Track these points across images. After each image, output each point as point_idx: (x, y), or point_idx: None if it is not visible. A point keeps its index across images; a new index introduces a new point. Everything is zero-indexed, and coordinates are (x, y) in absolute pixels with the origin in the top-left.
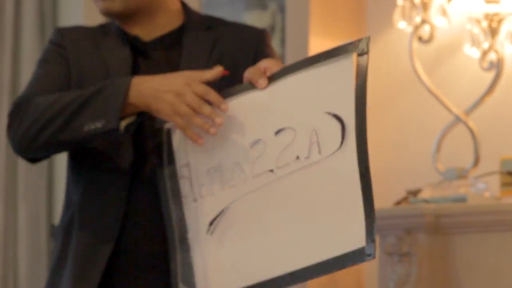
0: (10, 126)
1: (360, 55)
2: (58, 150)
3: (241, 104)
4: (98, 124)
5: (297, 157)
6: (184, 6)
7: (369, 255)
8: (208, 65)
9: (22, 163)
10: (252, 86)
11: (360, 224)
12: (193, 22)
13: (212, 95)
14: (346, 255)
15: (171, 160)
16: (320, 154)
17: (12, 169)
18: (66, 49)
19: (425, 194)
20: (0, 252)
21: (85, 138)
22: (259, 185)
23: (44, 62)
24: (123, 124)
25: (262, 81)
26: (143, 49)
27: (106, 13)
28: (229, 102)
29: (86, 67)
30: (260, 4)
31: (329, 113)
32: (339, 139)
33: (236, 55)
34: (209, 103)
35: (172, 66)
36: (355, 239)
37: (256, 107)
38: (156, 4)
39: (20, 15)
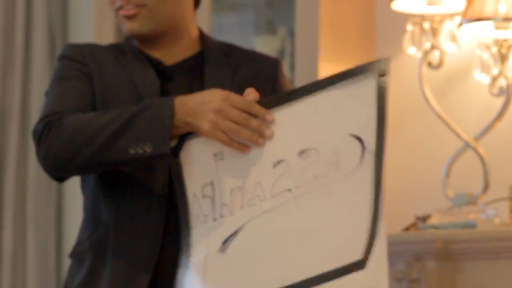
0: (40, 145)
1: (380, 75)
2: (95, 170)
3: None
4: (147, 148)
5: (315, 177)
6: (202, 33)
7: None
8: (231, 86)
9: (31, 185)
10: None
11: (363, 240)
12: (212, 48)
13: (256, 107)
14: (344, 266)
15: (181, 183)
16: (337, 173)
17: (22, 191)
18: (87, 66)
19: (435, 220)
20: (9, 275)
21: (130, 161)
22: (276, 204)
23: (63, 79)
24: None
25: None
26: (166, 72)
27: (133, 34)
28: None
29: (112, 86)
30: (269, 29)
31: (352, 135)
32: (358, 159)
33: (256, 83)
34: (252, 115)
35: (196, 91)
36: (355, 252)
37: (280, 127)
38: (180, 29)
39: (30, 36)
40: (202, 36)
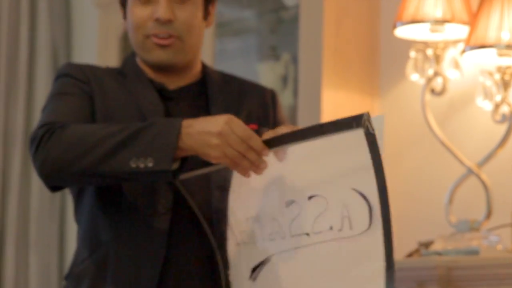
0: (39, 149)
1: (366, 134)
2: (91, 182)
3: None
4: (149, 163)
5: (331, 227)
6: (203, 63)
7: None
8: (237, 113)
9: (34, 210)
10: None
11: None
12: (212, 76)
13: (254, 141)
14: None
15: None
16: (351, 230)
17: (24, 215)
18: (89, 84)
19: (437, 246)
20: None
21: (129, 174)
22: (296, 245)
23: (63, 94)
24: (173, 167)
25: (282, 153)
26: (170, 96)
27: (163, 63)
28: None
29: (115, 106)
30: (273, 55)
31: (355, 190)
32: (367, 220)
33: (261, 112)
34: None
35: (201, 115)
36: None
37: (285, 166)
38: (193, 60)
39: (33, 58)
40: (204, 67)
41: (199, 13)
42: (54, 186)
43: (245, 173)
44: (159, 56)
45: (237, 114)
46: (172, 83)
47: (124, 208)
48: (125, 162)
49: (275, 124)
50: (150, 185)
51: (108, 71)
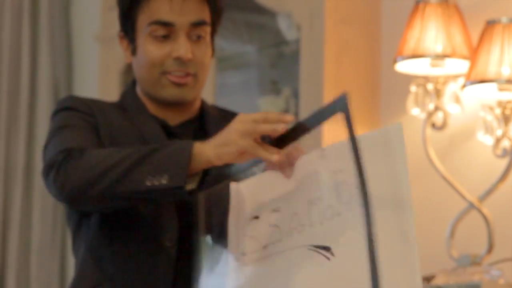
0: (59, 172)
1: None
2: (110, 205)
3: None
4: (163, 180)
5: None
6: (201, 98)
7: None
8: None
9: (35, 244)
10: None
11: None
12: (209, 111)
13: (271, 114)
14: None
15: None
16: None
17: (25, 250)
18: (94, 117)
19: (439, 280)
20: None
21: (145, 193)
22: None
23: (70, 127)
24: (188, 187)
25: (289, 171)
26: (172, 132)
27: (178, 101)
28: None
29: (121, 136)
30: (274, 89)
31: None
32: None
33: None
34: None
35: None
36: None
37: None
38: (197, 98)
39: (35, 93)
40: (202, 102)
41: (210, 50)
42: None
43: (268, 151)
44: (174, 93)
45: None
46: (174, 118)
47: (129, 241)
48: (141, 181)
49: None
50: (157, 217)
51: (108, 104)
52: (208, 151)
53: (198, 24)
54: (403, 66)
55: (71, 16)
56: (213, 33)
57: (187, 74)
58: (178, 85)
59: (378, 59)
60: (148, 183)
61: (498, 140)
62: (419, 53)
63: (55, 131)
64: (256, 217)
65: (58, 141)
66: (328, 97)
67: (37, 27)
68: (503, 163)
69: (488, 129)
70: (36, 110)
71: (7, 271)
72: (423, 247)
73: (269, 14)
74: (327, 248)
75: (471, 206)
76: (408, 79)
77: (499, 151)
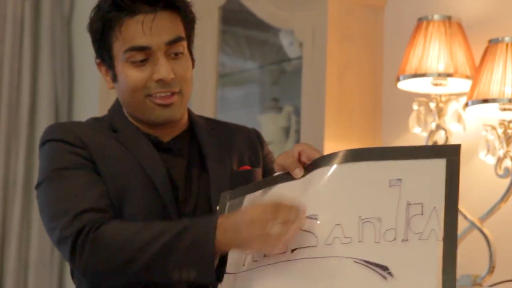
0: (76, 257)
1: (449, 161)
2: (134, 285)
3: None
4: (191, 274)
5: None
6: (189, 111)
7: None
8: (230, 157)
9: (33, 261)
10: (291, 177)
11: None
12: (197, 122)
13: (294, 211)
14: None
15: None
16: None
17: (23, 266)
18: (86, 149)
19: None
20: None
21: (174, 282)
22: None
23: (65, 171)
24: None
25: (299, 171)
26: (165, 148)
27: (167, 121)
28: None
29: (116, 164)
30: (275, 107)
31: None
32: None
33: (249, 153)
34: None
35: (195, 162)
36: None
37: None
38: (185, 114)
39: (35, 111)
40: (190, 114)
41: (190, 63)
42: None
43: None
44: (162, 115)
45: (229, 157)
46: (166, 135)
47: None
48: (168, 272)
49: (265, 161)
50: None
51: (96, 126)
52: (231, 238)
53: (174, 41)
54: (405, 85)
55: (73, 32)
56: (189, 44)
57: (172, 94)
58: (165, 106)
59: (380, 76)
60: (176, 275)
61: (500, 160)
62: (421, 71)
63: (52, 174)
64: None
65: (62, 194)
66: (330, 115)
67: (38, 43)
68: (505, 183)
69: (490, 149)
70: (36, 125)
71: (5, 286)
72: None
73: (272, 30)
74: (383, 267)
75: (473, 226)
76: (410, 97)
77: (501, 171)
